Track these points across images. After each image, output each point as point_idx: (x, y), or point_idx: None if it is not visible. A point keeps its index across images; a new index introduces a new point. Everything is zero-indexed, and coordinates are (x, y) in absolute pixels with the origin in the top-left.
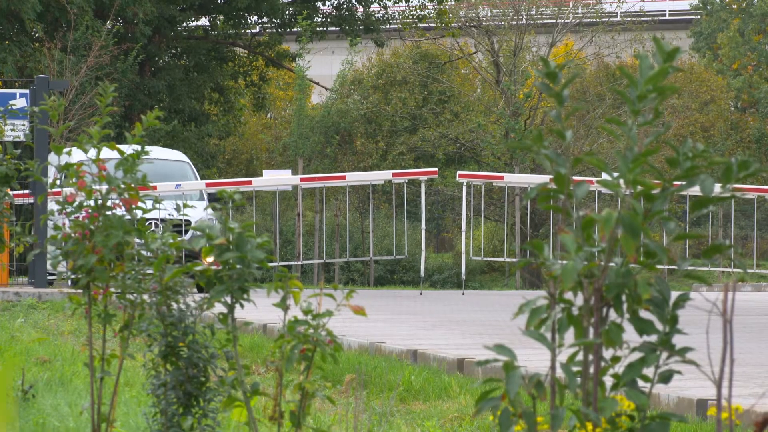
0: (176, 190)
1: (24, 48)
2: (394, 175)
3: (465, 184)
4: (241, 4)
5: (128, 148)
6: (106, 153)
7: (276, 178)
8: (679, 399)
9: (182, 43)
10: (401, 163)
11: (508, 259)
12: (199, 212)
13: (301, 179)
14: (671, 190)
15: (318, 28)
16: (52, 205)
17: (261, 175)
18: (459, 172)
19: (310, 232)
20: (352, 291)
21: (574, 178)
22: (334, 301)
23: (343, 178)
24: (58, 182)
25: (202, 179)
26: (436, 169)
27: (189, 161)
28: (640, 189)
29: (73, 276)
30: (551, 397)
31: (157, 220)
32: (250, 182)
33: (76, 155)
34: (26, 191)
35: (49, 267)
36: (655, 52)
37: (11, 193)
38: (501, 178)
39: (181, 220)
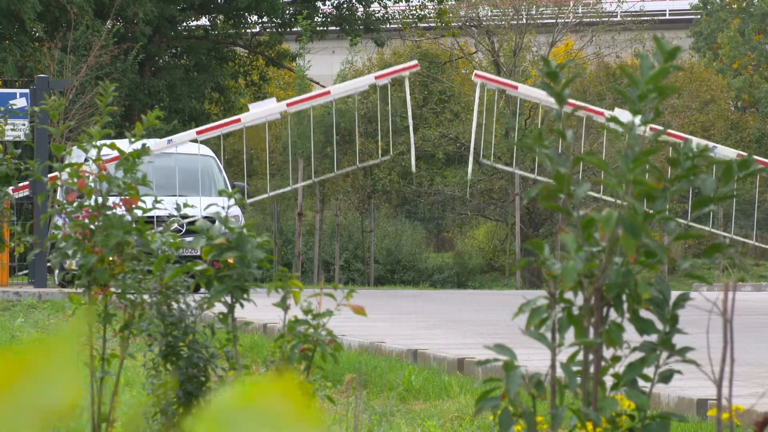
0: (169, 145)
1: (24, 48)
2: (376, 78)
3: (479, 84)
4: (241, 4)
5: (159, 141)
6: (108, 150)
7: (263, 110)
8: (679, 399)
9: (182, 42)
10: (401, 162)
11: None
12: (198, 211)
13: (288, 104)
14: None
15: (318, 28)
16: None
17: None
18: (476, 72)
19: (311, 231)
20: (352, 291)
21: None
22: (334, 301)
23: (328, 93)
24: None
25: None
26: (416, 62)
27: (215, 156)
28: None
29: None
30: (551, 397)
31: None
32: (239, 120)
33: (77, 155)
34: (25, 183)
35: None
36: (655, 52)
37: (11, 191)
38: (516, 87)
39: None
